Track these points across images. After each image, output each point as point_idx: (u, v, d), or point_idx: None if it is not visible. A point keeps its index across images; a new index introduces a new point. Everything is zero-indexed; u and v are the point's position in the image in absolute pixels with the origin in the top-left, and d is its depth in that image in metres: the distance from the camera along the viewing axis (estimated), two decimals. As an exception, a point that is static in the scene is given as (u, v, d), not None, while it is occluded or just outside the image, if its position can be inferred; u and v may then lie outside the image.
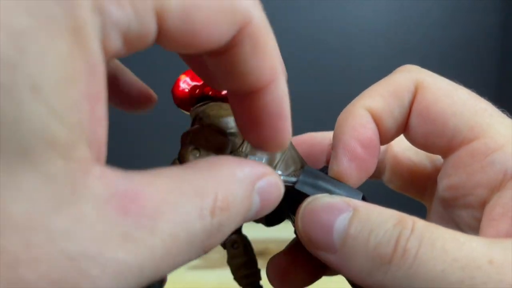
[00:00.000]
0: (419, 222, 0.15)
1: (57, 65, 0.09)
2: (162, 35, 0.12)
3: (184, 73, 0.23)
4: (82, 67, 0.10)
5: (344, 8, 0.73)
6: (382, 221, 0.15)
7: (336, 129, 0.19)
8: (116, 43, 0.11)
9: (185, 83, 0.23)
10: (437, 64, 0.79)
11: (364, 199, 0.19)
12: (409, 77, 0.19)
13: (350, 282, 0.18)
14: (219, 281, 0.53)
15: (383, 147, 0.23)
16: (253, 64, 0.15)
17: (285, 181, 0.19)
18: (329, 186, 0.18)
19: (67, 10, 0.09)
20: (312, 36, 0.73)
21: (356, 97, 0.20)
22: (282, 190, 0.15)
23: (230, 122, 0.19)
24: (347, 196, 0.18)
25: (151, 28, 0.11)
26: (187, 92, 0.22)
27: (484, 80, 0.77)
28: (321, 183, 0.18)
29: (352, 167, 0.19)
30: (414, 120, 0.19)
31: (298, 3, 0.72)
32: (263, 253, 0.62)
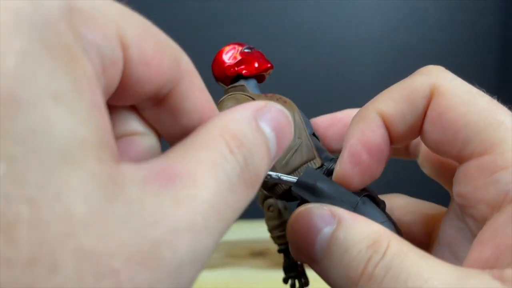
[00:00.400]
0: (393, 247, 0.15)
1: (66, 78, 0.10)
2: (126, 64, 0.13)
3: (228, 45, 0.24)
4: (84, 80, 0.11)
5: (343, 8, 0.73)
6: (358, 240, 0.16)
7: (347, 131, 0.19)
8: (97, 66, 0.12)
9: (228, 55, 0.24)
10: (437, 64, 0.78)
11: (369, 196, 0.20)
12: (426, 81, 0.18)
13: None
14: (219, 281, 0.53)
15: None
16: (195, 102, 0.16)
17: (285, 182, 0.20)
18: (326, 190, 0.19)
19: (55, 32, 0.10)
20: (312, 36, 0.73)
21: (370, 100, 0.20)
22: (288, 115, 0.15)
23: None
24: (343, 201, 0.18)
25: (119, 54, 0.13)
26: (222, 71, 0.24)
27: (484, 80, 0.77)
28: (320, 186, 0.19)
29: (355, 171, 0.19)
30: (427, 126, 0.18)
31: (297, 3, 0.72)
32: (263, 253, 0.62)
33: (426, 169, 0.23)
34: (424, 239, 0.22)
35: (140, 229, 0.10)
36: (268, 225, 0.26)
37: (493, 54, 0.76)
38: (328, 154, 0.22)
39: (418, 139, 0.22)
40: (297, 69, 0.72)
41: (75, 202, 0.09)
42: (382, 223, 0.19)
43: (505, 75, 0.76)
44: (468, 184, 0.17)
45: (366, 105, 0.20)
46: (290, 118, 0.15)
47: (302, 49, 0.73)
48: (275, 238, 0.26)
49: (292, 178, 0.20)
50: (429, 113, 0.18)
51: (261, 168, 0.14)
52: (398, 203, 0.23)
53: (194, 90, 0.16)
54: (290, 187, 0.20)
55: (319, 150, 0.22)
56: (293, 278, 0.27)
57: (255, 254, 0.61)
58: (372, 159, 0.19)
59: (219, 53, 0.24)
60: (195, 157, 0.12)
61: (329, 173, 0.20)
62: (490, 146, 0.16)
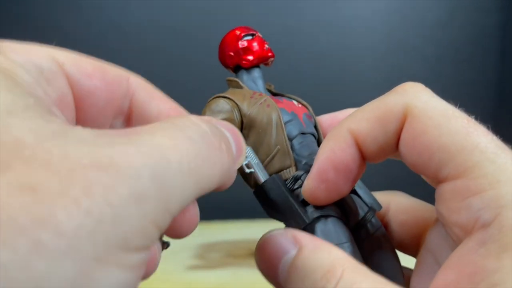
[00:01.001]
0: (346, 276, 0.15)
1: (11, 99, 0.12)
2: (70, 78, 0.16)
3: (231, 32, 0.25)
4: (24, 88, 0.13)
5: (343, 8, 0.73)
6: (314, 269, 0.16)
7: (319, 148, 0.20)
8: (37, 78, 0.15)
9: (229, 44, 0.24)
10: (437, 64, 0.79)
11: (332, 215, 0.20)
12: (400, 101, 0.18)
13: None
14: (219, 281, 0.53)
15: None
16: (159, 110, 0.19)
17: (256, 177, 0.21)
18: (280, 206, 0.20)
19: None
20: (311, 36, 0.73)
21: (344, 118, 0.20)
22: (233, 128, 0.18)
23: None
24: (292, 219, 0.20)
25: (55, 66, 0.16)
26: (223, 60, 0.25)
27: (484, 80, 0.77)
28: (275, 199, 0.20)
29: (321, 188, 0.19)
30: (402, 148, 0.18)
31: (297, 3, 0.72)
32: (263, 253, 0.62)
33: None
34: (413, 242, 0.22)
35: (97, 149, 0.12)
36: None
37: (493, 54, 0.76)
38: (313, 158, 0.22)
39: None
40: (296, 68, 0.72)
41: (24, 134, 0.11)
42: (341, 244, 0.19)
43: (505, 75, 0.76)
44: (443, 205, 0.17)
45: (340, 123, 0.20)
46: (240, 135, 0.18)
47: (301, 49, 0.73)
48: None
49: (262, 177, 0.21)
50: (403, 135, 0.18)
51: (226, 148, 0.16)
52: (396, 201, 0.23)
53: (153, 99, 0.18)
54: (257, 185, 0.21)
55: (304, 152, 0.22)
56: None
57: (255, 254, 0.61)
58: (339, 177, 0.19)
59: (223, 40, 0.24)
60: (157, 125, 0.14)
61: (296, 179, 0.21)
62: (464, 170, 0.16)
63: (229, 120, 0.21)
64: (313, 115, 0.24)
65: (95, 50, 0.77)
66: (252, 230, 0.73)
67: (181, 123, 0.14)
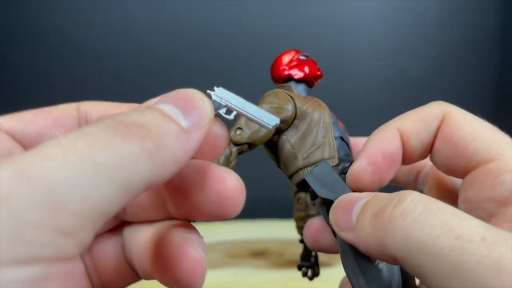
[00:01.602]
0: (423, 195, 0.17)
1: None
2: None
3: (289, 51, 0.27)
4: None
5: (343, 8, 0.73)
6: (389, 194, 0.18)
7: (366, 141, 0.22)
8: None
9: (286, 59, 0.27)
10: (437, 64, 0.78)
11: None
12: (438, 107, 0.22)
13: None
14: (219, 281, 0.53)
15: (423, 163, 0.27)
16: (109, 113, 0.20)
17: (247, 117, 0.19)
18: (328, 184, 0.22)
19: None
20: (311, 36, 0.73)
21: (391, 120, 0.23)
22: (189, 91, 0.17)
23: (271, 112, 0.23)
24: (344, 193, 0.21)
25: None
26: (276, 71, 0.27)
27: (484, 80, 0.77)
28: (330, 182, 0.22)
29: (368, 170, 0.22)
30: (439, 143, 0.21)
31: (297, 3, 0.72)
32: (263, 253, 0.62)
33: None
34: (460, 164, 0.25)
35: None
36: (295, 215, 0.30)
37: (493, 54, 0.76)
38: (350, 158, 0.24)
39: (427, 170, 0.26)
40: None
41: None
42: None
43: (505, 75, 0.76)
44: (474, 188, 0.20)
45: (386, 123, 0.23)
46: (199, 96, 0.17)
47: (301, 49, 0.73)
48: (298, 228, 0.30)
49: (268, 120, 0.19)
50: (440, 132, 0.21)
51: (152, 123, 0.15)
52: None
53: (105, 111, 0.20)
54: (303, 180, 0.23)
55: (341, 152, 0.24)
56: (307, 267, 0.30)
57: (255, 254, 0.61)
58: (384, 163, 0.22)
59: (279, 56, 0.27)
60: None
61: (342, 172, 0.23)
62: (495, 155, 0.19)
63: (282, 107, 0.24)
64: (347, 132, 0.27)
65: (95, 50, 0.76)
66: (252, 230, 0.73)
67: (90, 124, 0.14)
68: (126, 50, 0.71)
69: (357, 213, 0.18)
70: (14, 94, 0.70)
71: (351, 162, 0.23)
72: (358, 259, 0.19)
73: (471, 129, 0.21)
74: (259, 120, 0.19)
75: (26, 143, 0.18)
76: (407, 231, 0.16)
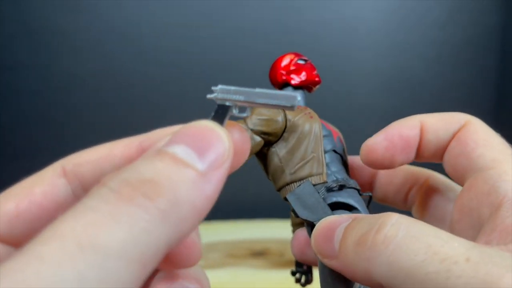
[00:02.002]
0: (404, 217, 0.17)
1: None
2: None
3: (287, 54, 0.27)
4: None
5: (343, 8, 0.73)
6: (369, 217, 0.18)
7: (391, 124, 0.23)
8: None
9: (283, 63, 0.26)
10: (437, 64, 0.78)
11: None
12: (463, 115, 0.23)
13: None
14: (219, 281, 0.53)
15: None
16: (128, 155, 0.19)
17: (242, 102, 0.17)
18: (317, 209, 0.22)
19: None
20: (311, 36, 0.73)
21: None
22: (205, 124, 0.14)
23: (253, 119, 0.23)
24: (325, 214, 0.21)
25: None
26: (274, 76, 0.26)
27: (484, 80, 0.77)
28: (312, 203, 0.22)
29: (382, 144, 0.22)
30: (452, 143, 0.22)
31: (296, 3, 0.72)
32: (263, 253, 0.62)
33: (417, 216, 0.27)
34: (396, 196, 0.27)
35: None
36: (291, 221, 0.29)
37: (493, 54, 0.76)
38: (342, 176, 0.24)
39: (416, 189, 0.26)
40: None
41: None
42: None
43: (505, 75, 0.76)
44: (472, 192, 0.20)
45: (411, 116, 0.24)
46: (212, 129, 0.14)
47: (301, 49, 0.73)
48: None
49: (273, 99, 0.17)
50: (458, 134, 0.22)
51: (163, 175, 0.13)
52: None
53: (91, 159, 0.18)
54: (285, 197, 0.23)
55: (332, 167, 0.24)
56: (301, 273, 0.30)
57: (255, 254, 0.61)
58: (400, 144, 0.22)
59: (278, 60, 0.27)
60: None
61: (328, 190, 0.23)
62: (498, 163, 0.20)
63: (272, 119, 0.23)
64: (344, 141, 0.26)
65: (95, 51, 0.76)
66: (252, 230, 0.73)
67: (91, 193, 0.12)
68: (126, 51, 0.71)
69: (339, 240, 0.18)
70: (14, 94, 0.70)
71: (338, 181, 0.23)
72: (336, 283, 0.20)
73: (485, 137, 0.21)
74: (277, 105, 0.16)
75: (14, 241, 0.16)
76: (391, 258, 0.15)
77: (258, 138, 0.20)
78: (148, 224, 0.12)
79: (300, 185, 0.22)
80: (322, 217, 0.20)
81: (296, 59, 0.26)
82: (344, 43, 0.74)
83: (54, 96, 0.71)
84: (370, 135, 0.23)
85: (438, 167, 0.25)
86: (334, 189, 0.22)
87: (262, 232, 0.66)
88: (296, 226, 0.28)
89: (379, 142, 0.22)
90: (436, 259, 0.15)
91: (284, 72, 0.26)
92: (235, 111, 0.17)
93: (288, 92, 0.16)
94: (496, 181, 0.19)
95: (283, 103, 0.16)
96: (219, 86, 0.17)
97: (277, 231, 0.65)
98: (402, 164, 0.23)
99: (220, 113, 0.16)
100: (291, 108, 0.16)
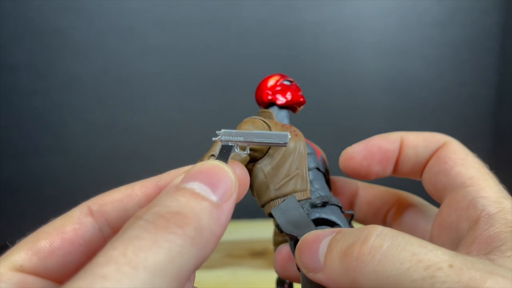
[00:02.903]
0: (388, 229, 0.17)
1: None
2: None
3: (273, 75, 0.28)
4: None
5: (342, 8, 0.73)
6: (354, 230, 0.18)
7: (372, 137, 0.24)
8: None
9: (270, 83, 0.27)
10: (437, 64, 0.79)
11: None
12: (442, 136, 0.24)
13: None
14: (219, 281, 0.53)
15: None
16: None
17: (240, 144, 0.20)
18: (301, 224, 0.22)
19: None
20: (311, 36, 0.73)
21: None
22: (213, 163, 0.17)
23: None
24: (309, 229, 0.21)
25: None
26: (260, 95, 0.27)
27: (484, 80, 0.77)
28: (296, 218, 0.22)
29: (361, 153, 0.24)
30: (432, 161, 0.23)
31: (296, 3, 0.72)
32: (262, 253, 0.62)
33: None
34: (375, 218, 0.28)
35: None
36: (273, 239, 0.29)
37: (493, 54, 0.76)
38: (325, 193, 0.24)
39: (394, 212, 0.27)
40: (296, 69, 0.72)
41: None
42: None
43: (505, 75, 0.76)
44: (452, 207, 0.21)
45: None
46: (220, 167, 0.17)
47: (301, 49, 0.73)
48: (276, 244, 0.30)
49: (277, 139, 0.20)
50: (437, 153, 0.23)
51: (188, 208, 0.15)
52: (363, 185, 0.29)
53: (114, 200, 0.20)
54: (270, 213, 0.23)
55: (315, 185, 0.24)
56: None
57: (255, 254, 0.61)
58: (378, 155, 0.24)
59: (263, 80, 0.27)
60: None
61: (312, 206, 0.23)
62: (476, 181, 0.21)
63: None
64: (327, 161, 0.27)
65: (95, 51, 0.76)
66: (252, 230, 0.73)
67: (129, 225, 0.15)
68: (126, 51, 0.71)
69: (324, 253, 0.18)
70: (14, 94, 0.70)
71: (322, 197, 0.23)
72: None
73: (463, 157, 0.23)
74: (271, 143, 0.19)
75: (49, 276, 0.18)
76: (377, 267, 0.16)
77: (244, 154, 0.21)
78: (181, 248, 0.14)
79: (284, 200, 0.23)
80: (306, 232, 0.20)
81: (281, 80, 0.27)
82: (344, 43, 0.74)
83: (54, 96, 0.71)
84: (370, 135, 0.24)
85: (416, 186, 0.26)
86: (318, 205, 0.23)
87: (262, 232, 0.66)
88: (277, 244, 0.28)
89: (358, 151, 0.24)
90: (420, 266, 0.15)
91: (270, 92, 0.27)
92: (236, 150, 0.20)
93: (280, 132, 0.19)
94: (474, 197, 0.20)
95: (277, 140, 0.19)
96: (222, 130, 0.20)
97: (277, 231, 0.65)
98: (378, 176, 0.24)
99: (224, 153, 0.19)
100: (284, 145, 0.19)
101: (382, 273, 0.16)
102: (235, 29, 0.72)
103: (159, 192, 0.18)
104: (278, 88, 0.27)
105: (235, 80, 0.72)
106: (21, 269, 0.17)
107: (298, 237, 0.21)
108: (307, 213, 0.22)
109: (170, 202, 0.15)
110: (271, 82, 0.27)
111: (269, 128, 0.24)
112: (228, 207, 0.16)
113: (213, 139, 0.20)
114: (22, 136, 0.72)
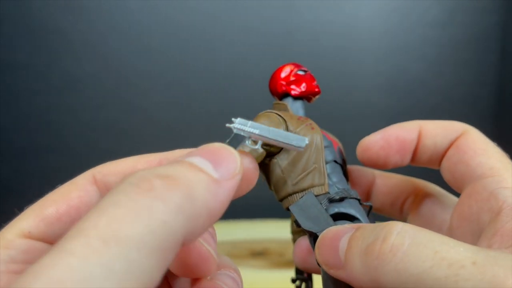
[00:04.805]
0: (409, 225, 0.17)
1: None
2: None
3: (287, 65, 0.27)
4: None
5: (342, 8, 0.73)
6: (373, 226, 0.18)
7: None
8: None
9: (284, 73, 0.27)
10: (437, 64, 0.79)
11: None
12: (462, 124, 0.23)
13: None
14: (219, 281, 0.53)
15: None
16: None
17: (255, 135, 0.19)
18: (312, 215, 0.22)
19: None
20: (311, 36, 0.73)
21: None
22: (222, 146, 0.16)
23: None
24: (329, 225, 0.21)
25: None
26: (274, 86, 0.26)
27: (484, 80, 0.77)
28: (314, 214, 0.22)
29: (378, 142, 0.23)
30: (451, 151, 0.23)
31: (297, 2, 0.72)
32: (263, 253, 0.62)
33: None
34: (393, 207, 0.27)
35: None
36: (291, 228, 0.29)
37: (493, 54, 0.76)
38: (344, 187, 0.24)
39: (411, 200, 0.27)
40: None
41: None
42: None
43: (505, 75, 0.76)
44: (472, 198, 0.21)
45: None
46: (226, 148, 0.16)
47: (301, 49, 0.73)
48: (294, 241, 0.29)
49: (295, 141, 0.20)
50: (456, 142, 0.23)
51: (185, 175, 0.14)
52: (380, 174, 0.28)
53: (119, 169, 0.20)
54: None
55: (333, 178, 0.24)
56: (301, 280, 0.29)
57: (255, 254, 0.61)
58: (395, 145, 0.23)
59: (277, 70, 0.27)
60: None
61: (330, 201, 0.23)
62: (497, 171, 0.21)
63: None
64: (343, 151, 0.26)
65: (95, 51, 0.76)
66: (252, 230, 0.73)
67: (112, 189, 0.13)
68: (126, 51, 0.71)
69: (344, 250, 0.18)
70: (14, 94, 0.70)
71: (340, 191, 0.23)
72: None
73: (484, 147, 0.22)
74: (287, 144, 0.19)
75: (55, 242, 0.17)
76: (399, 266, 0.16)
77: (260, 149, 0.20)
78: (164, 216, 0.12)
79: (302, 196, 0.23)
80: (325, 228, 0.20)
81: (296, 69, 0.27)
82: (344, 43, 0.74)
83: (54, 96, 0.71)
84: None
85: (434, 174, 0.25)
86: (336, 200, 0.23)
87: (262, 232, 0.66)
88: (296, 234, 0.28)
89: (376, 140, 0.23)
90: (443, 264, 0.15)
91: (284, 83, 0.26)
92: (247, 142, 0.19)
93: (299, 135, 0.19)
94: (495, 188, 0.20)
95: (293, 143, 0.19)
96: (238, 119, 0.19)
97: (276, 231, 0.65)
98: (396, 165, 0.24)
99: (235, 141, 0.18)
100: (299, 149, 0.19)
101: (404, 272, 0.15)
102: (235, 29, 0.72)
103: None
104: (293, 79, 0.26)
105: (235, 80, 0.72)
106: (29, 236, 0.17)
107: (318, 234, 0.21)
108: (325, 209, 0.22)
109: (163, 168, 0.14)
110: (285, 73, 0.26)
111: (285, 122, 0.23)
112: (229, 186, 0.15)
113: (227, 125, 0.19)
114: (22, 136, 0.72)
